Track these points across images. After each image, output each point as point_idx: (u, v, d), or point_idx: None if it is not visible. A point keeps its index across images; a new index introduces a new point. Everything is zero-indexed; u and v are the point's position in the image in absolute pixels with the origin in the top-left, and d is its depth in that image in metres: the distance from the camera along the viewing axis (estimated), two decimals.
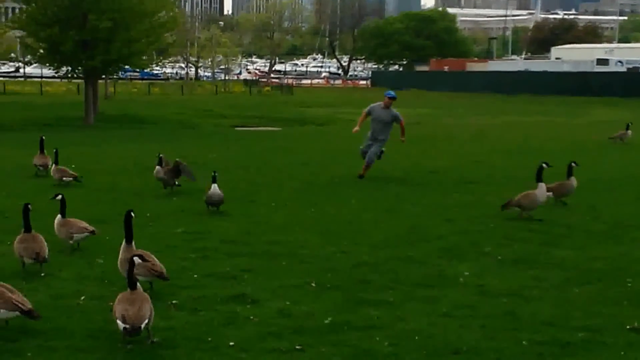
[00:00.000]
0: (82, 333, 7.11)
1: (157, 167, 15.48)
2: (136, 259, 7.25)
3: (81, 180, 16.32)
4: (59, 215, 10.32)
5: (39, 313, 7.15)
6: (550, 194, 13.62)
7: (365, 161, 17.70)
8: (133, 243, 8.61)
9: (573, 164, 14.17)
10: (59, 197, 10.47)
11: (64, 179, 16.20)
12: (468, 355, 6.70)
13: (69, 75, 38.70)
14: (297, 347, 6.84)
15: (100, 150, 24.08)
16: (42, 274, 9.03)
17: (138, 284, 7.11)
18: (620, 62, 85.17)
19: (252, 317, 7.58)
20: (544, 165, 13.18)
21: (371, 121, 17.98)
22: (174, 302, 8.02)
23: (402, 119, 18.02)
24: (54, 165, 16.57)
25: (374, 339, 7.05)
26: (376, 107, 17.99)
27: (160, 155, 15.64)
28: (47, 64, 40.79)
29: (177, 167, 15.26)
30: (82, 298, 8.13)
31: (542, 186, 12.82)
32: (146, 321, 6.76)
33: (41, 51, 37.79)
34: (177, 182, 15.38)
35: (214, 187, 12.95)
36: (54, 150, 16.75)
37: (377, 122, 17.82)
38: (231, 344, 6.90)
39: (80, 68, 36.84)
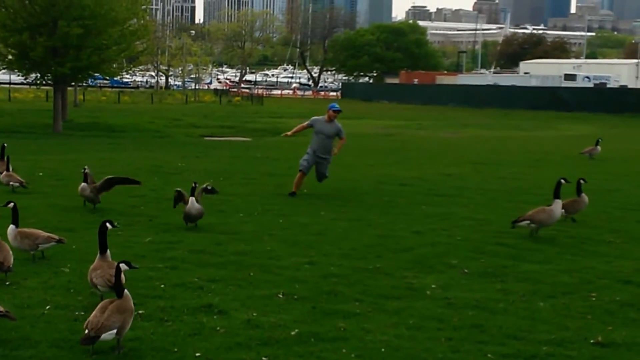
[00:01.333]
0: (47, 342, 7.04)
1: (83, 183, 14.17)
2: (122, 265, 7.28)
3: (27, 186, 16.13)
4: (11, 226, 10.00)
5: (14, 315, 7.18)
6: (563, 210, 13.33)
7: (303, 181, 16.87)
8: (108, 252, 8.58)
9: (581, 181, 14.12)
10: (11, 204, 10.17)
11: (11, 183, 16.07)
12: None
13: (38, 81, 38.42)
14: (264, 358, 6.83)
15: (69, 158, 23.90)
16: (7, 283, 8.93)
17: (126, 290, 7.13)
18: (587, 77, 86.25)
19: (219, 328, 7.56)
20: (562, 181, 12.94)
21: (313, 134, 16.99)
22: (140, 312, 7.97)
23: (344, 135, 17.00)
24: (4, 171, 16.43)
25: (341, 350, 7.05)
26: (319, 120, 16.96)
27: (86, 170, 14.32)
28: (16, 70, 40.42)
29: (109, 183, 14.10)
30: (48, 307, 8.06)
31: (559, 202, 12.56)
32: (110, 332, 6.72)
33: (10, 57, 37.51)
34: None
35: (192, 201, 12.38)
36: (6, 157, 16.64)
37: (320, 135, 16.81)
38: (198, 354, 6.88)
39: (49, 75, 36.62)
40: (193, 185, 12.59)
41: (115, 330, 6.74)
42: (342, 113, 17.15)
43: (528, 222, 12.47)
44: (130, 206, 14.75)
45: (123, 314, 6.87)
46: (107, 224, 8.75)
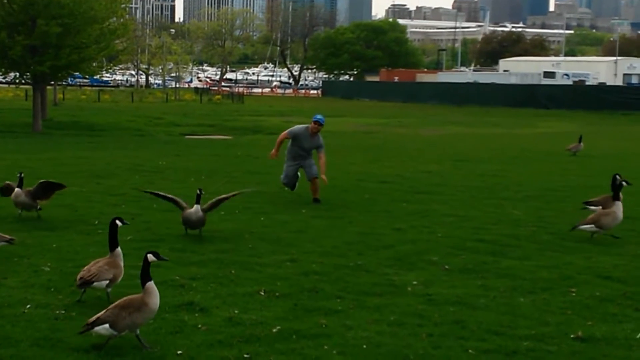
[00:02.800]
0: (28, 341, 7.01)
1: (17, 189, 12.85)
2: (150, 256, 7.23)
3: None
4: None
5: None
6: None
7: (312, 181, 15.64)
8: (119, 250, 8.53)
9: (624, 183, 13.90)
10: None
11: None
12: None
13: (17, 80, 38.16)
14: (245, 355, 6.83)
15: (49, 157, 23.77)
16: None
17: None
18: (566, 75, 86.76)
19: (200, 326, 7.55)
20: (624, 183, 12.68)
21: (291, 144, 15.70)
22: None
23: (324, 150, 15.60)
24: None
25: (323, 347, 7.07)
26: (301, 133, 15.52)
27: (21, 175, 13.10)
28: None
29: (44, 186, 12.89)
30: (28, 306, 8.02)
31: (620, 205, 12.25)
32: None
33: None
34: (39, 206, 13.04)
35: (196, 208, 11.66)
36: None
37: (300, 149, 15.59)
38: (179, 352, 6.87)
39: (28, 74, 36.33)
40: (198, 192, 11.80)
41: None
42: (320, 111, 16.83)
43: (591, 225, 12.17)
44: (111, 205, 14.69)
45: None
46: (117, 221, 8.62)
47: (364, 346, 7.12)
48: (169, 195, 12.32)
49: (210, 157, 25.17)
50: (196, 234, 11.91)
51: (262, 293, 8.77)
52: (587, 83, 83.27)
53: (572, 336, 7.54)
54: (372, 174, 20.66)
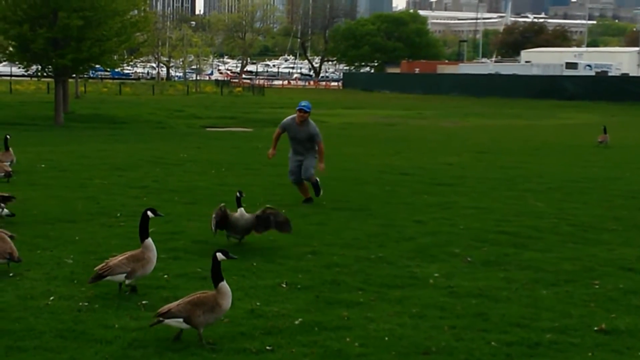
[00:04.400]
0: (51, 333, 7.06)
1: None
2: (219, 254, 7.15)
3: (11, 176, 16.00)
4: None
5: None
6: None
7: (305, 182, 14.64)
8: (149, 241, 8.44)
9: None
10: None
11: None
12: (437, 356, 6.74)
13: (39, 74, 38.32)
14: (267, 347, 6.84)
15: (70, 150, 23.90)
16: (11, 274, 8.94)
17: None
18: (589, 65, 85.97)
19: (223, 318, 7.56)
20: None
21: (289, 139, 14.67)
22: (144, 302, 7.99)
23: (320, 139, 14.40)
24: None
25: (344, 339, 7.07)
26: (291, 124, 14.45)
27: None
28: (17, 62, 40.30)
29: None
30: (52, 298, 8.07)
31: None
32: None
33: (11, 49, 37.38)
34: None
35: (241, 212, 10.69)
36: None
37: (295, 141, 14.53)
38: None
39: (50, 67, 36.50)
40: (238, 195, 10.93)
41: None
42: (341, 103, 16.62)
43: None
44: (132, 197, 14.75)
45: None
46: (149, 212, 8.54)
47: (386, 338, 7.12)
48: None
49: (230, 150, 25.21)
50: (235, 242, 10.86)
51: (284, 285, 8.79)
52: (609, 74, 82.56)
53: (595, 328, 7.50)
54: (392, 166, 20.61)
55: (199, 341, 6.88)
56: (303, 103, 14.41)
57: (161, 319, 6.84)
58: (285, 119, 14.80)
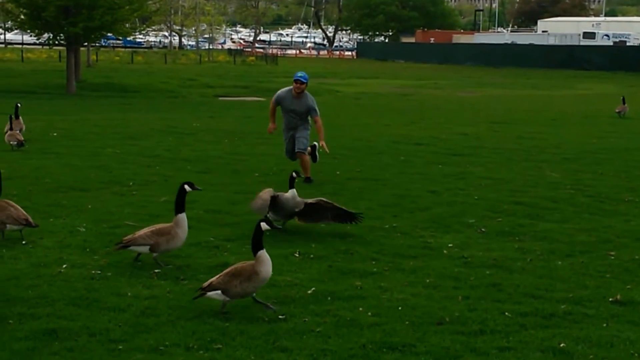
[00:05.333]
0: (64, 301, 7.05)
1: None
2: (263, 224, 7.04)
3: (20, 148, 16.01)
4: None
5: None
6: None
7: (305, 157, 13.66)
8: (183, 215, 8.33)
9: None
10: None
11: (11, 142, 16.09)
12: (451, 326, 6.69)
13: (51, 42, 38.21)
14: (280, 316, 6.80)
15: (83, 118, 23.89)
16: (24, 242, 8.94)
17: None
18: (606, 35, 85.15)
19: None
20: None
21: (283, 112, 13.69)
22: (156, 271, 7.97)
23: (317, 114, 13.38)
24: (8, 130, 16.38)
25: (358, 309, 7.02)
26: (285, 96, 13.56)
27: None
28: (29, 31, 40.18)
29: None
30: (64, 266, 8.06)
31: None
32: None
33: (22, 17, 37.27)
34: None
35: (293, 193, 10.10)
36: (9, 116, 16.64)
37: (291, 114, 13.53)
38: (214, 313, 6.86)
39: (62, 35, 36.40)
40: (294, 175, 10.38)
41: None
42: (355, 73, 16.33)
43: None
44: (145, 166, 14.73)
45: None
46: (186, 186, 8.43)
47: (399, 308, 7.07)
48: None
49: (243, 119, 25.15)
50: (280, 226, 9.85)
51: (297, 255, 8.75)
52: (628, 44, 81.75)
53: (610, 299, 7.43)
54: (407, 136, 20.50)
55: (220, 308, 6.86)
56: (299, 74, 13.52)
57: (203, 292, 6.84)
58: (279, 91, 13.92)
